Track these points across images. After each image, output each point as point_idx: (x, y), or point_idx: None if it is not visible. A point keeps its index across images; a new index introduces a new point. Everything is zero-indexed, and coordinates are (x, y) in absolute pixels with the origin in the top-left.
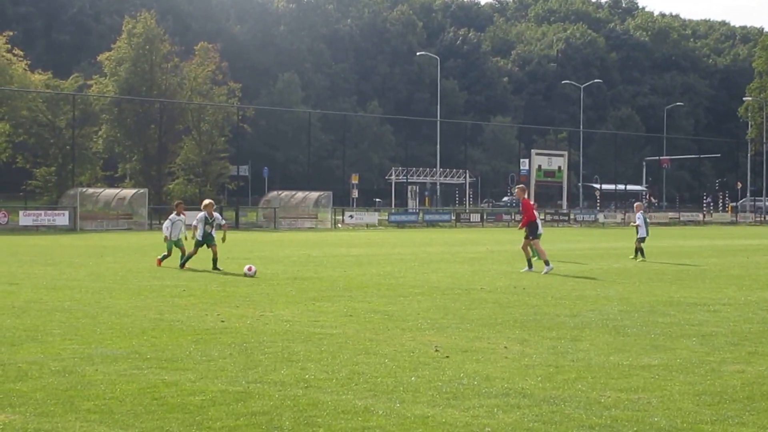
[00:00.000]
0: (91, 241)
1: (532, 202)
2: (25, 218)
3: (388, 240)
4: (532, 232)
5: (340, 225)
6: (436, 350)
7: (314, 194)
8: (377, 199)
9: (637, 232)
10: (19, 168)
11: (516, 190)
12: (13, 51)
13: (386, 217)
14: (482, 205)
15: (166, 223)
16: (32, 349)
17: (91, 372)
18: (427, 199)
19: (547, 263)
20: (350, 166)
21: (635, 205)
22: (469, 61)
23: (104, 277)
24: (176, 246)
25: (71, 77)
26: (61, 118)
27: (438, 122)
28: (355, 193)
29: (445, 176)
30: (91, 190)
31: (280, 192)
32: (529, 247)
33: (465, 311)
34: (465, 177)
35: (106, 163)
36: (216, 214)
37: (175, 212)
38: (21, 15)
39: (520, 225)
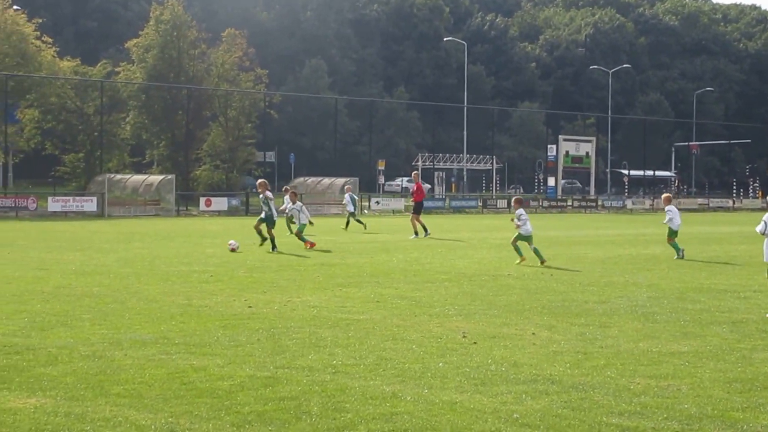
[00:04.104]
0: (119, 227)
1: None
2: (53, 204)
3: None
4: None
5: (366, 211)
6: (464, 336)
7: (341, 180)
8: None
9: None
10: (47, 154)
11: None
12: (42, 38)
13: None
14: (509, 192)
15: (293, 209)
16: (62, 333)
17: (120, 357)
18: (453, 185)
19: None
20: (377, 152)
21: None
22: (496, 47)
23: (132, 263)
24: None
25: (99, 64)
26: (89, 104)
27: (465, 108)
28: (382, 179)
29: (472, 162)
30: (118, 177)
31: (306, 178)
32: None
33: (492, 297)
34: (492, 163)
35: (133, 149)
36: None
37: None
38: (49, 2)
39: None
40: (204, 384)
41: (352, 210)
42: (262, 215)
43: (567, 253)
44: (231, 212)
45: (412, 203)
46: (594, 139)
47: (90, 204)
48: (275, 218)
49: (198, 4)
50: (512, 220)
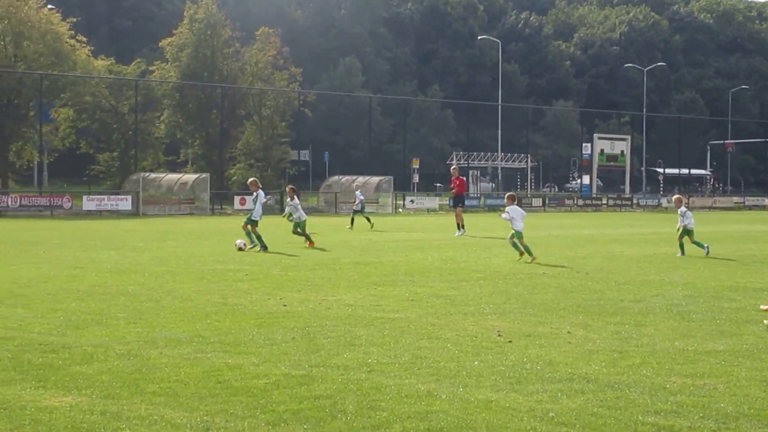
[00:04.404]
0: (153, 225)
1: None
2: (88, 203)
3: (449, 225)
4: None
5: (400, 210)
6: (499, 335)
7: (375, 179)
8: (438, 184)
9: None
10: (82, 153)
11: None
12: (77, 37)
13: (447, 202)
14: (544, 190)
15: (290, 205)
16: (97, 332)
17: (155, 355)
18: (492, 184)
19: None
20: (411, 150)
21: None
22: (530, 45)
23: (167, 262)
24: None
25: (133, 63)
26: (123, 103)
27: (499, 106)
28: (416, 178)
29: (507, 161)
30: (153, 175)
31: (340, 177)
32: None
33: (527, 296)
34: (527, 161)
35: (168, 148)
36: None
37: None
38: (84, 1)
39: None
40: (239, 382)
41: (358, 209)
42: (252, 215)
43: (602, 252)
44: (265, 211)
45: (452, 196)
46: (629, 137)
47: (125, 203)
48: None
49: (232, 3)
50: (501, 216)
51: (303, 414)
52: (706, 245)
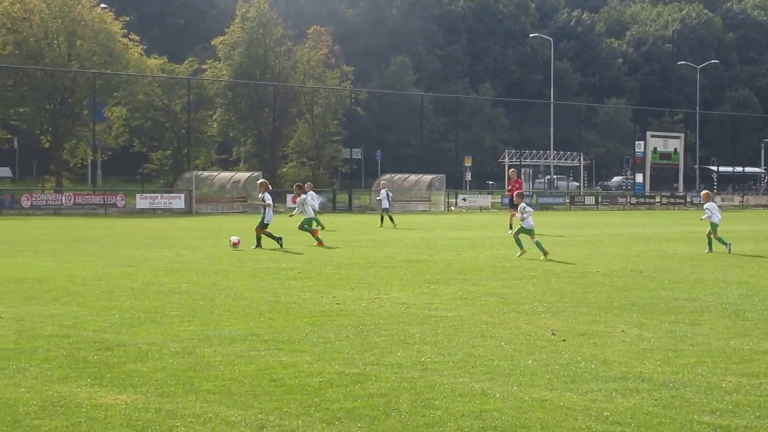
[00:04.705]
0: (206, 224)
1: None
2: (141, 201)
3: (502, 223)
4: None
5: (453, 208)
6: (553, 334)
7: (427, 177)
8: (490, 182)
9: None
10: (135, 152)
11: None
12: (129, 36)
13: (499, 200)
14: (596, 188)
15: (301, 202)
16: (152, 330)
17: (209, 353)
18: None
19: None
20: (463, 148)
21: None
22: (582, 43)
23: (220, 260)
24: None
25: (186, 62)
26: (176, 102)
27: (551, 104)
28: (468, 176)
29: (559, 159)
30: (206, 174)
31: (393, 175)
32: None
33: (581, 295)
34: (579, 159)
35: (220, 146)
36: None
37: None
38: (136, 0)
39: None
40: (293, 380)
41: (386, 206)
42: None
43: (655, 250)
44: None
45: (509, 198)
46: (682, 135)
47: (178, 201)
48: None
49: (283, 2)
50: (516, 215)
51: (357, 412)
52: (728, 243)
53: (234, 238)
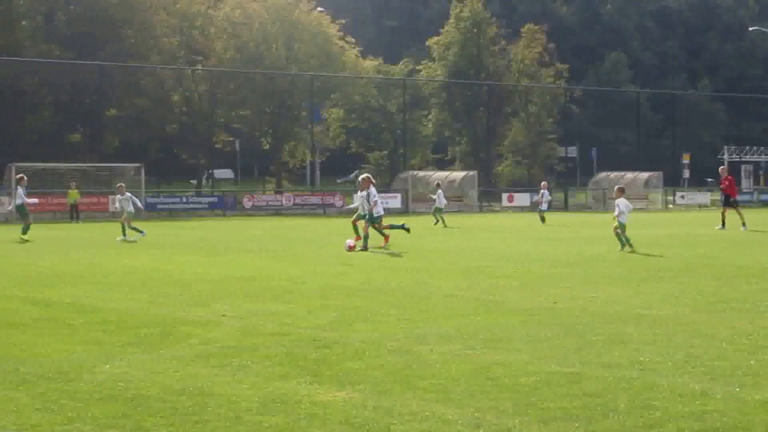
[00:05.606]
0: (421, 222)
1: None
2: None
3: (719, 220)
4: None
5: (671, 205)
6: None
7: (644, 175)
8: (709, 179)
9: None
10: (352, 153)
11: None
12: (345, 38)
13: (718, 197)
14: None
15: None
16: (367, 328)
17: (425, 351)
18: (762, 178)
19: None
20: (680, 145)
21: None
22: None
23: (431, 258)
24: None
25: (401, 62)
26: (391, 102)
27: None
28: (687, 173)
29: None
30: (422, 173)
31: (609, 173)
32: None
33: None
34: None
35: (435, 146)
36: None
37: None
38: (352, 3)
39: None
40: (508, 380)
41: (441, 206)
42: (360, 212)
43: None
44: (533, 208)
45: (723, 195)
46: None
47: (394, 200)
48: (372, 215)
49: (497, 1)
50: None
51: (573, 412)
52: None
53: (350, 242)
